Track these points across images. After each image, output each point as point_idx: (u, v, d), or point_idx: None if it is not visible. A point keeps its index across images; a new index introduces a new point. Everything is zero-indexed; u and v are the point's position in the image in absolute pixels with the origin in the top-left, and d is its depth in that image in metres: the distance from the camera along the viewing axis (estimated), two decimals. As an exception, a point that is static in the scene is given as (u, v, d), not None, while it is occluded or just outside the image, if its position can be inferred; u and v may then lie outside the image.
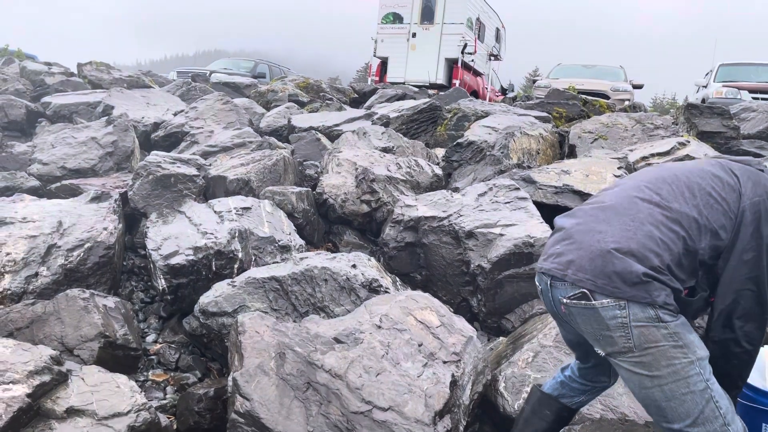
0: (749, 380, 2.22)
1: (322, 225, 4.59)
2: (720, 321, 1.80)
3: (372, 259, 3.64)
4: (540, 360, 2.94)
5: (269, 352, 2.63)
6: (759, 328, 1.80)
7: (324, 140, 6.05)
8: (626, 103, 12.08)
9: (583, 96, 8.42)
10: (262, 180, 4.55)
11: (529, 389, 2.77)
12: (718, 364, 1.80)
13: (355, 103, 9.72)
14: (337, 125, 6.57)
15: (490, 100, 15.57)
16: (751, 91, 11.72)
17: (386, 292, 3.27)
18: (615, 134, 5.85)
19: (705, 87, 13.28)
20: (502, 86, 20.17)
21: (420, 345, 2.79)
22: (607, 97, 12.52)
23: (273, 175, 4.65)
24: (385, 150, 5.48)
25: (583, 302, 1.78)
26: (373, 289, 3.23)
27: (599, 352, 1.85)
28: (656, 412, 1.77)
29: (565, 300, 1.83)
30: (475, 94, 15.63)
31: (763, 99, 11.17)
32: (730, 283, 1.78)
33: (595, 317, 1.76)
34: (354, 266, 3.29)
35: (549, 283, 1.91)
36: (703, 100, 12.36)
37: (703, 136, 5.74)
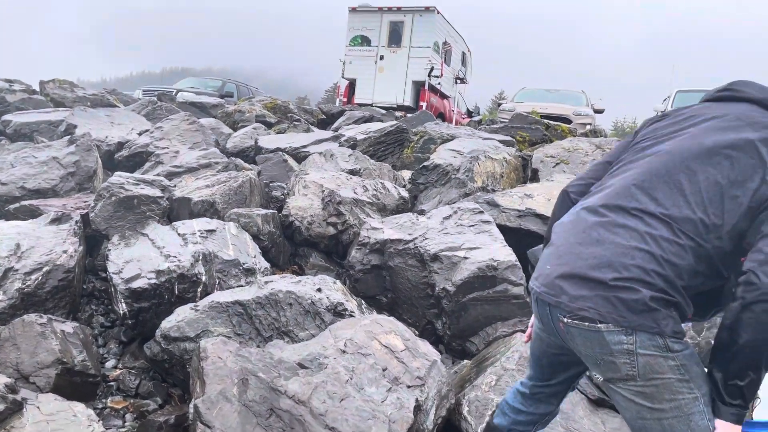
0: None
1: (288, 247, 4.58)
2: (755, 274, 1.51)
3: (338, 282, 3.65)
4: (503, 383, 2.97)
5: (232, 378, 2.61)
6: None
7: (291, 162, 6.06)
8: (588, 127, 12.39)
9: (546, 120, 8.61)
10: (227, 202, 4.52)
11: (491, 413, 2.80)
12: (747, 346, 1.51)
13: (323, 125, 9.76)
14: (304, 147, 6.59)
15: (456, 123, 15.80)
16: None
17: (351, 315, 3.27)
18: (576, 159, 5.99)
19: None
20: (468, 109, 20.47)
21: (384, 369, 2.79)
22: (570, 121, 12.82)
23: (239, 196, 4.63)
24: (352, 172, 5.51)
25: (586, 324, 1.63)
26: (338, 313, 3.23)
27: (597, 376, 1.74)
28: None
29: (565, 319, 1.68)
30: (442, 116, 15.85)
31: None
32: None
33: (599, 341, 1.63)
34: (319, 290, 3.29)
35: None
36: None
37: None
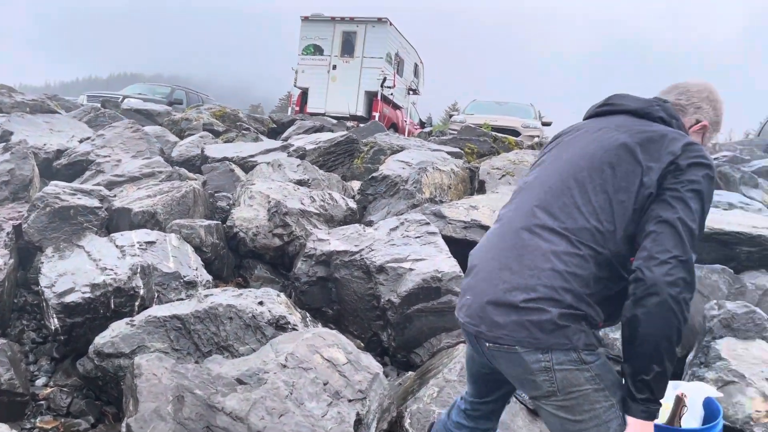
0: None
1: (233, 259, 4.50)
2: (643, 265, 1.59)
3: (281, 294, 3.60)
4: (445, 395, 2.98)
5: (167, 395, 2.53)
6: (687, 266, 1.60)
7: (238, 171, 5.97)
8: (536, 139, 12.66)
9: (494, 133, 8.76)
10: (169, 212, 4.42)
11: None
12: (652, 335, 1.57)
13: (274, 134, 9.67)
14: (252, 156, 6.50)
15: (409, 133, 15.92)
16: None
17: (294, 329, 3.23)
18: (521, 171, 6.10)
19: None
20: (420, 120, 20.67)
21: (325, 384, 2.76)
22: (518, 134, 13.08)
23: (182, 207, 4.53)
24: (300, 183, 5.47)
25: (506, 347, 1.70)
26: (281, 326, 3.18)
27: (523, 395, 1.82)
28: None
29: (488, 344, 1.75)
30: (395, 126, 15.95)
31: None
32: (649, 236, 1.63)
33: (519, 361, 1.70)
34: (261, 303, 3.24)
35: None
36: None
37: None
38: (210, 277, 3.83)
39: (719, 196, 5.25)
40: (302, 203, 4.72)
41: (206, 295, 3.26)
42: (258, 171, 5.69)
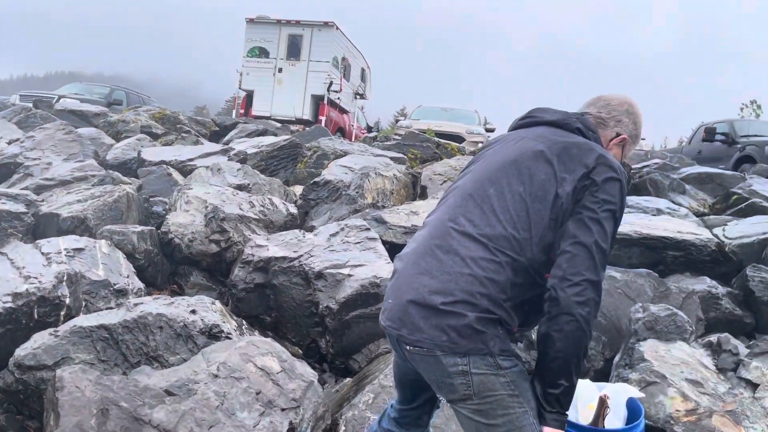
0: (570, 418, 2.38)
1: (168, 266, 4.38)
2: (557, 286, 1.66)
3: (217, 302, 3.53)
4: (380, 401, 2.98)
5: (90, 408, 2.44)
6: (595, 284, 1.69)
7: (176, 175, 5.83)
8: (480, 145, 12.88)
9: (437, 139, 8.86)
10: (100, 218, 4.27)
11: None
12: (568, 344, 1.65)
13: (216, 137, 9.49)
14: (191, 160, 6.37)
15: (356, 138, 15.93)
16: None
17: (228, 338, 3.17)
18: (463, 177, 6.20)
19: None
20: (368, 124, 20.72)
21: (258, 393, 2.72)
22: (463, 140, 13.28)
23: (114, 212, 4.39)
24: (240, 187, 5.38)
25: (425, 349, 1.73)
26: (213, 335, 3.12)
27: (440, 398, 1.83)
28: None
29: (407, 347, 1.77)
30: (342, 131, 15.92)
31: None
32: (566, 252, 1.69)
33: (437, 365, 1.72)
34: (193, 311, 3.16)
35: None
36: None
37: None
38: (142, 285, 3.72)
39: (648, 202, 5.46)
40: (241, 208, 4.65)
41: (136, 304, 3.17)
42: (196, 175, 5.58)
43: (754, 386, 2.83)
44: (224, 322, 3.31)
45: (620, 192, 1.74)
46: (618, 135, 1.96)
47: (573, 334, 1.64)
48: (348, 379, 3.61)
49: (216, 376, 2.73)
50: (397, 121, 16.10)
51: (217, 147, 7.06)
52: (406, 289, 1.79)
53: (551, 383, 1.69)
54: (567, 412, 1.73)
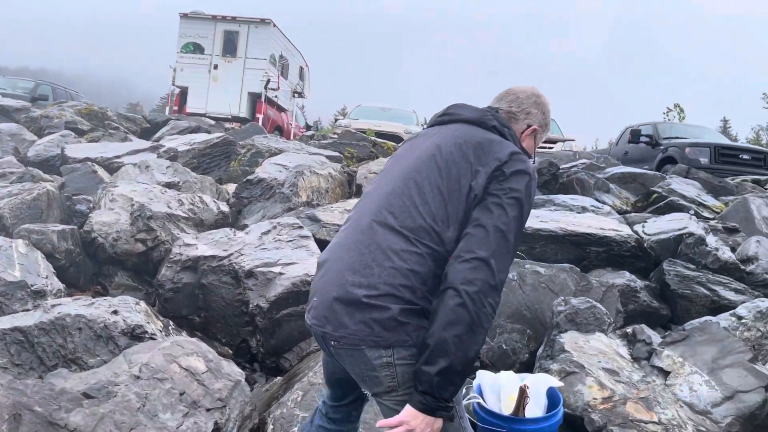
0: (488, 405, 2.45)
1: (91, 266, 4.23)
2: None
3: (141, 302, 3.43)
4: (309, 398, 2.97)
5: (1, 414, 2.33)
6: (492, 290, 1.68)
7: (102, 173, 5.62)
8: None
9: (373, 138, 8.90)
10: (18, 217, 4.08)
11: (297, 429, 2.79)
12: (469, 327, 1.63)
13: (148, 134, 9.21)
14: (118, 157, 6.16)
15: (294, 136, 15.80)
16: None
17: (152, 338, 3.09)
18: (397, 175, 6.25)
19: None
20: (307, 123, 20.59)
21: (182, 394, 2.67)
22: (401, 139, 13.39)
23: (33, 211, 4.20)
24: (169, 185, 5.25)
25: (350, 345, 1.73)
26: (136, 336, 3.04)
27: (365, 392, 1.84)
28: None
29: (332, 342, 1.77)
30: (280, 129, 15.76)
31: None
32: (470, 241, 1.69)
33: (362, 358, 1.74)
34: (115, 312, 3.07)
35: None
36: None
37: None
38: (62, 286, 3.58)
39: (574, 200, 5.67)
40: (169, 207, 4.54)
41: (54, 305, 3.04)
42: (123, 173, 5.40)
43: (665, 374, 2.98)
44: (149, 322, 3.22)
45: (527, 185, 1.78)
46: (529, 126, 2.04)
47: (455, 309, 1.61)
48: (279, 377, 3.58)
49: (138, 377, 2.65)
50: (336, 120, 16.05)
51: (147, 144, 6.86)
52: (330, 286, 1.79)
53: (427, 359, 1.62)
54: (445, 402, 1.65)
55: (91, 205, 4.77)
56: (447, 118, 2.03)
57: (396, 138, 13.22)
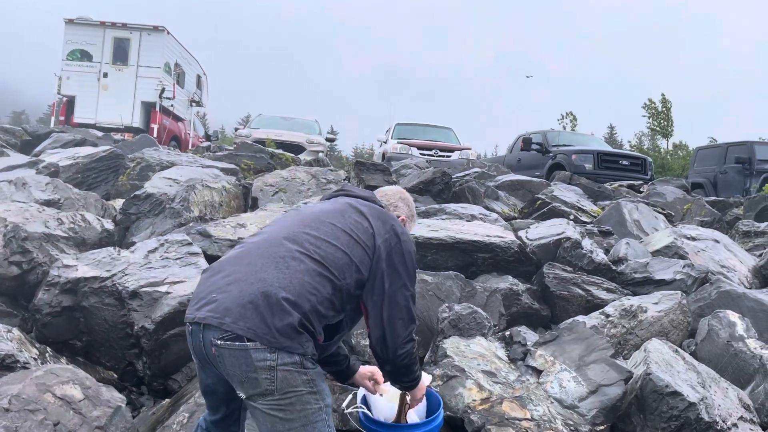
0: (372, 414, 2.53)
1: (-43, 293, 3.94)
2: (379, 346, 2.12)
3: (14, 330, 3.26)
4: (195, 420, 2.92)
5: None
6: (409, 336, 2.18)
7: (-28, 191, 5.24)
8: (320, 154, 13.06)
9: (270, 149, 8.85)
10: None
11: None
12: (401, 373, 2.25)
13: (29, 147, 8.66)
14: (-8, 174, 5.77)
15: (193, 146, 15.36)
16: (420, 148, 13.71)
17: (25, 367, 2.94)
18: (293, 188, 6.26)
19: (385, 143, 15.12)
20: (207, 133, 20.07)
21: (56, 424, 2.56)
22: (303, 149, 13.38)
23: None
24: (48, 203, 4.98)
25: (237, 343, 1.84)
26: (7, 366, 2.88)
27: (240, 395, 1.92)
28: None
29: (218, 341, 1.87)
30: (177, 139, 15.28)
31: (428, 155, 13.12)
32: (378, 310, 2.08)
33: (245, 358, 1.84)
34: (-19, 342, 2.89)
35: (203, 325, 1.93)
36: (383, 155, 14.04)
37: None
38: None
39: (464, 208, 5.90)
40: (47, 226, 4.32)
41: None
42: (-4, 191, 5.07)
43: (538, 372, 3.19)
44: (21, 350, 3.07)
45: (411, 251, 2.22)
46: (398, 216, 2.40)
47: None
48: (166, 400, 3.50)
49: (7, 410, 2.52)
50: (236, 130, 15.76)
51: (24, 159, 6.46)
52: (242, 285, 1.93)
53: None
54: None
55: (-42, 226, 4.44)
56: (344, 193, 2.40)
57: (298, 148, 13.20)
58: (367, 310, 2.12)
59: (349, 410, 2.56)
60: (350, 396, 2.63)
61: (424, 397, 2.62)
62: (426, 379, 2.63)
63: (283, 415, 1.87)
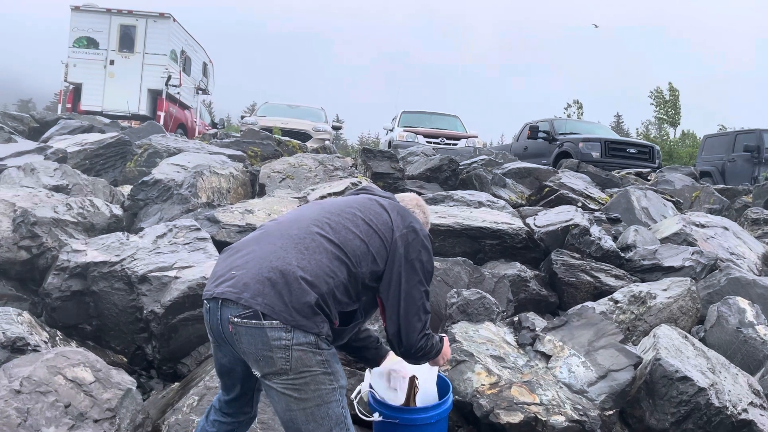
0: (385, 400, 2.53)
1: (-32, 277, 3.96)
2: (395, 340, 2.13)
3: (25, 313, 3.27)
4: (205, 403, 2.94)
5: None
6: (424, 329, 2.15)
7: (-19, 177, 5.26)
8: (326, 142, 13.03)
9: (277, 136, 8.83)
10: None
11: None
12: (418, 360, 2.26)
13: (37, 134, 8.68)
14: (1, 160, 5.78)
15: (199, 133, 15.37)
16: (426, 136, 13.66)
17: (36, 350, 2.96)
18: (301, 174, 6.25)
19: (392, 131, 15.07)
20: (213, 120, 20.09)
21: (67, 406, 2.58)
22: (309, 137, 13.35)
23: None
24: (57, 188, 5.00)
25: (253, 321, 1.86)
26: (18, 349, 2.90)
27: (256, 373, 1.94)
28: None
29: (235, 318, 1.89)
30: (183, 126, 15.28)
31: (434, 143, 13.08)
32: (395, 306, 2.09)
33: (261, 337, 1.86)
34: (-8, 325, 2.91)
35: (220, 303, 1.95)
36: (390, 143, 14.01)
37: (376, 177, 6.49)
38: (-67, 300, 3.34)
39: (472, 195, 5.89)
40: (56, 211, 4.32)
41: None
42: (6, 176, 5.09)
43: (547, 357, 3.19)
44: (32, 334, 3.08)
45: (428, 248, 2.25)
46: None
47: None
48: (176, 383, 3.52)
49: (18, 392, 2.54)
50: (242, 117, 15.74)
51: (33, 145, 6.47)
52: (262, 262, 1.95)
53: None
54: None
55: (-33, 211, 4.45)
56: (365, 191, 2.45)
57: (304, 135, 13.17)
58: (383, 305, 2.14)
59: (360, 395, 2.57)
60: (358, 387, 2.64)
61: (434, 384, 2.63)
62: (435, 367, 2.63)
63: (297, 395, 1.89)
